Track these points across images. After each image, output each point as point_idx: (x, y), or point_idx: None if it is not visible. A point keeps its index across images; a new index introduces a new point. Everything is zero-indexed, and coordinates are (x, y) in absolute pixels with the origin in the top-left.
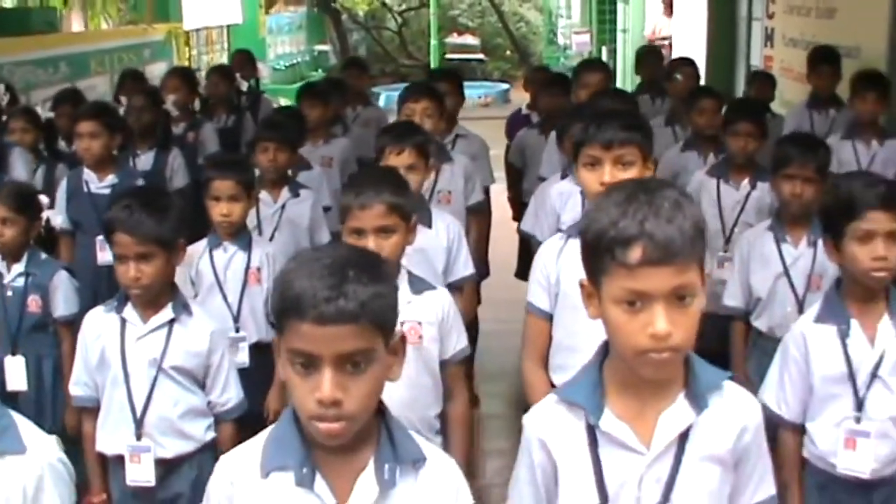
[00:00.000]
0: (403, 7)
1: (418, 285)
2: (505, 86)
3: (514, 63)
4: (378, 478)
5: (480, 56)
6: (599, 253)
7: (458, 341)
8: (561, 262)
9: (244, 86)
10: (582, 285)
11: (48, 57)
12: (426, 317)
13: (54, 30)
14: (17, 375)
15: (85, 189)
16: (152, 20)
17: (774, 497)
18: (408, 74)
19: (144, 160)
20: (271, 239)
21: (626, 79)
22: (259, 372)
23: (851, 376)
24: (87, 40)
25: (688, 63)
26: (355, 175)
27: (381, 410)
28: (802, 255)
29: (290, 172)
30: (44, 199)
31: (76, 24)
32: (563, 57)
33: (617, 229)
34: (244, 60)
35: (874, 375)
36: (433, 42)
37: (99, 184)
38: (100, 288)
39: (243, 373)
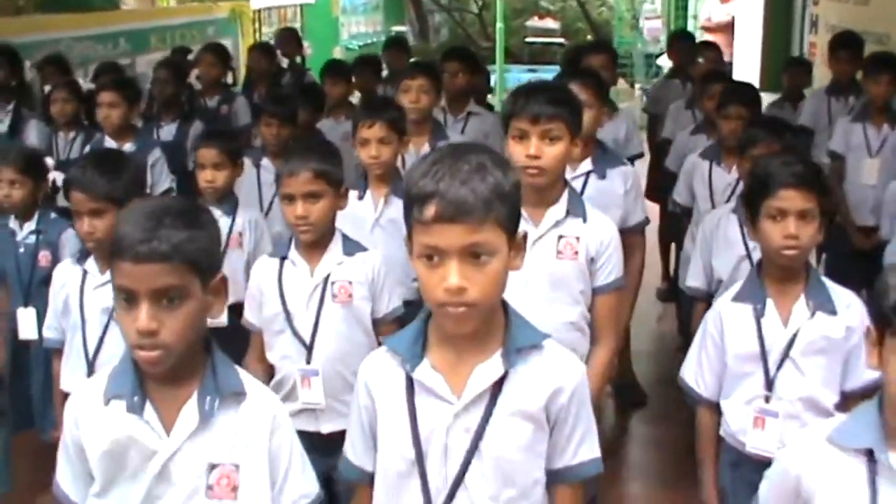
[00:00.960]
0: None
1: (350, 248)
2: None
3: None
4: (199, 408)
5: (561, 40)
6: (409, 210)
7: (391, 301)
8: None
9: (285, 62)
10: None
11: (107, 33)
12: (356, 277)
13: (114, 7)
14: (28, 325)
15: None
16: None
17: (598, 460)
18: (487, 57)
19: (167, 130)
20: (270, 206)
21: None
22: (237, 331)
23: (763, 355)
24: (147, 17)
25: (711, 47)
26: (290, 146)
27: (208, 347)
28: None
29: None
30: (49, 161)
31: (144, 3)
32: (640, 42)
33: (417, 188)
34: (288, 38)
35: (785, 356)
36: (499, 25)
37: None
38: None
39: (222, 332)
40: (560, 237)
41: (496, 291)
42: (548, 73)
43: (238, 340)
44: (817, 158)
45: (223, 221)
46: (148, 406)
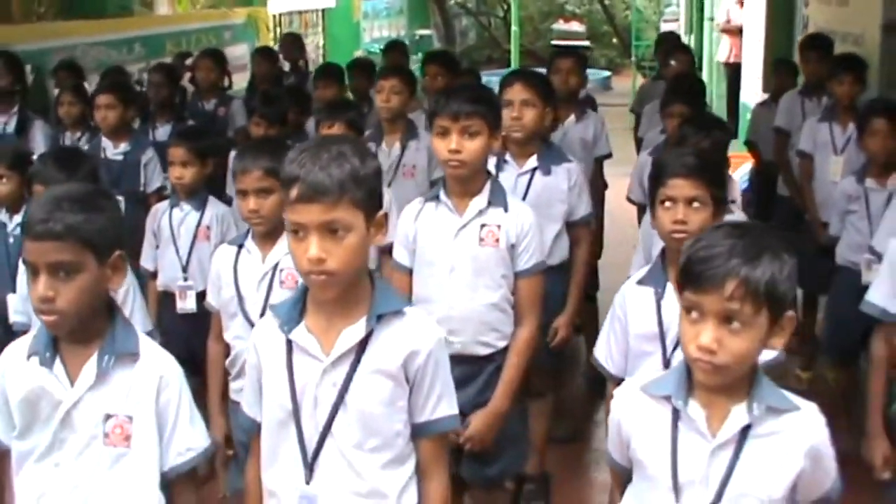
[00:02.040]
0: None
1: None
2: (606, 73)
3: (620, 51)
4: (98, 364)
5: (586, 43)
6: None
7: None
8: (418, 223)
9: (286, 66)
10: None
11: (122, 39)
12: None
13: (129, 13)
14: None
15: (102, 155)
16: (234, 4)
17: (455, 416)
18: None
19: (162, 132)
20: None
21: (711, 66)
22: (204, 317)
23: (661, 336)
24: (162, 23)
25: (682, 50)
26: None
27: (112, 314)
28: None
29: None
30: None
31: (164, 9)
32: None
33: (285, 173)
34: (291, 43)
35: None
36: (514, 29)
37: (113, 150)
38: None
39: (190, 317)
40: (482, 226)
41: (354, 262)
42: None
43: (205, 325)
44: (792, 158)
45: (193, 216)
46: (57, 362)
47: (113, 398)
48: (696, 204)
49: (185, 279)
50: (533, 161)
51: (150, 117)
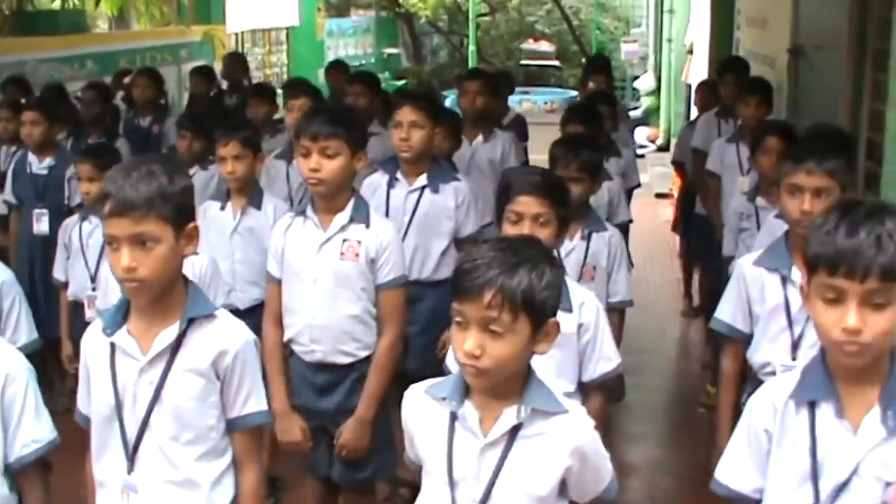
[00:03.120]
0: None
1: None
2: (573, 93)
3: None
4: None
5: (556, 62)
6: None
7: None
8: (286, 236)
9: (224, 85)
10: None
11: (74, 55)
12: None
13: (82, 30)
14: None
15: (27, 169)
16: (193, 22)
17: (265, 412)
18: None
19: None
20: None
21: (670, 86)
22: None
23: None
24: (116, 40)
25: (601, 72)
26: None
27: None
28: (576, 247)
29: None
30: None
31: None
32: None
33: (104, 189)
34: (234, 63)
35: None
36: (471, 48)
37: (39, 165)
38: (35, 252)
39: None
40: (344, 240)
41: (162, 271)
42: (543, 95)
43: None
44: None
45: (100, 229)
46: None
47: None
48: (541, 220)
49: (93, 289)
50: (423, 179)
51: (83, 134)
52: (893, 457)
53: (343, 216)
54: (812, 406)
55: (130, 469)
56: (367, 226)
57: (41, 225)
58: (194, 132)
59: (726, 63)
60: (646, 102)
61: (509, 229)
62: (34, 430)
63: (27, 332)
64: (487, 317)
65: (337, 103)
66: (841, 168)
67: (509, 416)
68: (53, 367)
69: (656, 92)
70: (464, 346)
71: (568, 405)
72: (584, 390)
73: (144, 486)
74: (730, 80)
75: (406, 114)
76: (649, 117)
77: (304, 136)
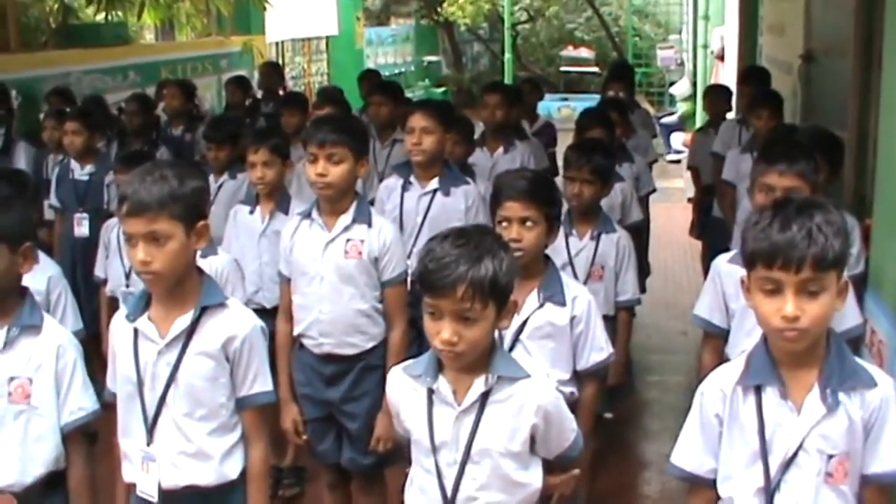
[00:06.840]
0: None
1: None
2: None
3: None
4: (6, 335)
5: (595, 69)
6: None
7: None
8: (294, 238)
9: (259, 94)
10: None
11: (117, 66)
12: None
13: (125, 42)
14: None
15: (70, 176)
16: (233, 32)
17: (270, 392)
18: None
19: None
20: None
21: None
22: None
23: (499, 340)
24: (158, 51)
25: (618, 78)
26: None
27: (23, 295)
28: (585, 247)
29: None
30: None
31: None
32: (665, 71)
33: (119, 192)
34: (269, 72)
35: (516, 339)
36: (507, 56)
37: (80, 171)
38: (76, 254)
39: None
40: (348, 240)
41: (175, 264)
42: (582, 101)
43: None
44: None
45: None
46: None
47: (17, 363)
48: (528, 223)
49: (128, 286)
50: (434, 183)
51: (127, 143)
52: (833, 431)
53: (346, 217)
54: (758, 390)
55: (149, 441)
56: (370, 226)
57: (82, 228)
58: (218, 142)
59: (745, 73)
60: (682, 108)
61: (501, 232)
62: (82, 399)
63: (73, 321)
64: (461, 308)
65: (342, 113)
66: (811, 170)
67: (479, 384)
68: (96, 362)
69: (692, 97)
70: (441, 336)
71: (531, 371)
72: (579, 378)
73: (161, 457)
74: (746, 92)
75: (417, 120)
76: (685, 123)
77: (312, 143)
